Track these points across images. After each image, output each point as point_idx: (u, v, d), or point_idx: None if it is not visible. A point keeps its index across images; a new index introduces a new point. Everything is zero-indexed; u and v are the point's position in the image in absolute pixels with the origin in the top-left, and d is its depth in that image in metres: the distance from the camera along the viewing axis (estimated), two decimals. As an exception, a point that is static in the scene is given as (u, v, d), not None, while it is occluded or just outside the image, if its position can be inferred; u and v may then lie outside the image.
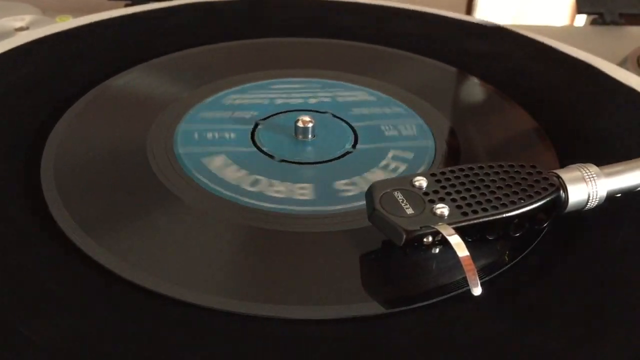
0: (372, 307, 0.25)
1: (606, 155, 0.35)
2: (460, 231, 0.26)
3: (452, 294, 0.26)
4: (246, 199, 0.31)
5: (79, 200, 0.30)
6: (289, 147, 0.35)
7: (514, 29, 0.51)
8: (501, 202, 0.27)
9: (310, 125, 0.35)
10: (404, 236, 0.26)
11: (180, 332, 0.24)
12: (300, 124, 0.35)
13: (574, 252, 0.29)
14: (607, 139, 0.37)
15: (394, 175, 0.33)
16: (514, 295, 0.26)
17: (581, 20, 0.98)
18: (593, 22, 0.66)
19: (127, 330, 0.24)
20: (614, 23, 0.64)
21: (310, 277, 0.27)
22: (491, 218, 0.27)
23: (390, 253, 0.28)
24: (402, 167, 0.34)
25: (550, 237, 0.29)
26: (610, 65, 0.44)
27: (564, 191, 0.28)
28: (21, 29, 0.58)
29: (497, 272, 0.27)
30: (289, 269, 0.27)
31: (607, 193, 0.29)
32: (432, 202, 0.27)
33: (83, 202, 0.30)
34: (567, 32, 0.66)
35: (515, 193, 0.28)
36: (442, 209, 0.27)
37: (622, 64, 0.54)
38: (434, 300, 0.26)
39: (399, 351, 0.24)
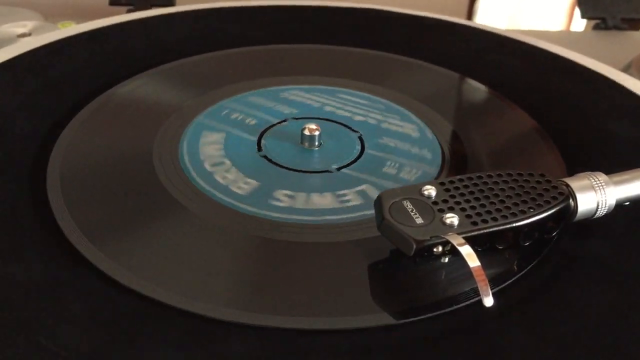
0: (381, 318, 0.25)
1: (613, 163, 0.35)
2: (470, 241, 0.26)
3: (462, 304, 0.26)
4: (252, 208, 0.31)
5: (85, 209, 0.30)
6: (295, 155, 0.35)
7: (516, 35, 0.51)
8: (511, 212, 0.27)
9: (316, 133, 0.35)
10: (414, 246, 0.26)
11: (184, 342, 0.24)
12: (306, 132, 0.35)
13: (584, 260, 0.29)
14: (614, 146, 0.37)
15: (402, 184, 0.33)
16: (525, 304, 0.26)
17: (579, 24, 0.98)
18: (595, 27, 0.66)
19: (130, 339, 0.24)
20: (617, 28, 0.64)
21: (317, 288, 0.27)
22: (501, 227, 0.27)
23: (399, 263, 0.28)
24: (410, 175, 0.34)
25: (559, 245, 0.29)
26: (615, 71, 0.44)
27: (573, 200, 0.28)
28: (23, 35, 0.58)
29: (507, 282, 0.27)
30: (296, 279, 0.27)
31: (616, 201, 0.29)
32: (442, 211, 0.27)
33: (89, 210, 0.30)
34: (570, 38, 0.66)
35: (525, 202, 0.28)
36: (452, 219, 0.27)
37: (626, 69, 0.54)
38: (444, 310, 0.25)
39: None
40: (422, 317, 0.25)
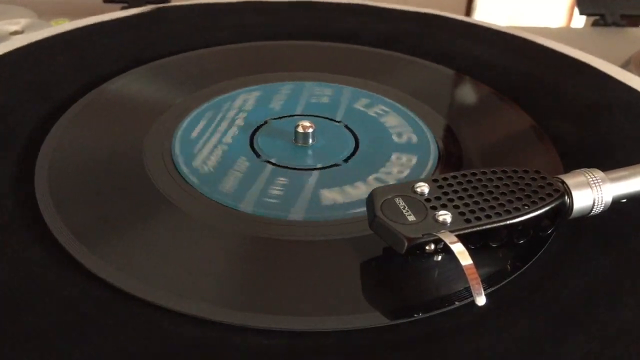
0: (373, 319, 0.25)
1: (610, 159, 0.35)
2: (463, 238, 0.25)
3: (455, 305, 0.25)
4: (245, 207, 0.30)
5: (73, 208, 0.30)
6: (288, 153, 0.35)
7: (515, 31, 0.51)
8: (505, 209, 0.27)
9: (310, 130, 0.35)
10: (406, 244, 0.25)
11: (176, 344, 0.23)
12: (300, 129, 0.35)
13: (580, 259, 0.28)
14: (611, 143, 0.37)
15: (395, 181, 0.33)
16: (519, 305, 0.26)
17: (578, 21, 0.98)
18: (594, 24, 0.65)
19: (120, 342, 0.23)
20: (615, 24, 0.64)
21: (309, 287, 0.26)
22: (495, 225, 0.26)
23: (391, 261, 0.27)
24: (404, 173, 0.34)
25: (555, 244, 0.28)
26: (613, 67, 0.44)
27: (568, 197, 0.28)
28: (16, 32, 0.57)
29: (502, 282, 0.26)
30: (288, 278, 0.27)
31: (613, 198, 0.28)
32: (434, 208, 0.27)
33: (78, 209, 0.30)
34: (568, 34, 0.65)
35: (519, 199, 0.27)
36: (445, 216, 0.26)
37: (625, 65, 0.53)
38: (437, 311, 0.25)
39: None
40: (414, 317, 0.25)
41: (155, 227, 0.29)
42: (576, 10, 1.00)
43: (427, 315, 0.25)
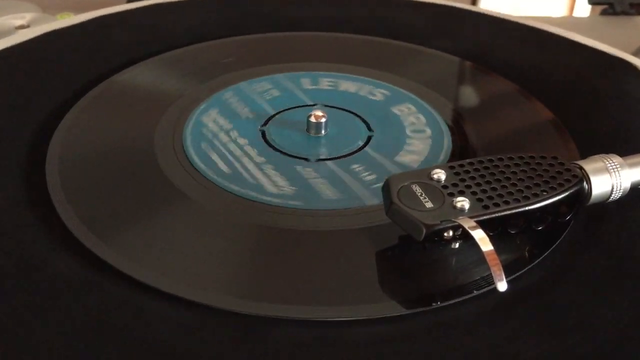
0: (390, 308, 0.24)
1: (626, 146, 0.34)
2: (481, 225, 0.25)
3: (474, 293, 0.25)
4: (257, 196, 0.30)
5: (85, 199, 0.30)
6: (301, 143, 0.34)
7: (524, 20, 0.50)
8: (523, 195, 0.27)
9: (323, 120, 0.34)
10: (424, 231, 0.25)
11: (188, 333, 0.23)
12: (312, 119, 0.34)
13: (599, 246, 0.28)
14: (628, 130, 0.36)
15: (410, 169, 0.32)
16: (539, 293, 0.25)
17: (581, 10, 0.97)
18: (603, 13, 0.65)
19: (133, 331, 0.23)
20: (625, 13, 0.63)
21: (325, 277, 0.26)
22: (513, 211, 0.26)
23: (408, 249, 0.27)
24: (419, 161, 0.33)
25: (573, 231, 0.28)
26: (626, 55, 0.43)
27: (587, 183, 0.27)
28: (22, 27, 0.57)
29: (522, 270, 0.26)
30: (302, 268, 0.26)
31: (631, 184, 0.28)
32: (452, 195, 0.26)
33: (89, 200, 0.30)
34: (577, 23, 0.65)
35: (537, 185, 0.27)
36: (463, 202, 0.26)
37: (636, 53, 0.53)
38: (455, 300, 0.25)
39: (418, 354, 0.23)
40: (431, 307, 0.25)
41: (168, 217, 0.29)
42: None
43: (445, 304, 0.25)
